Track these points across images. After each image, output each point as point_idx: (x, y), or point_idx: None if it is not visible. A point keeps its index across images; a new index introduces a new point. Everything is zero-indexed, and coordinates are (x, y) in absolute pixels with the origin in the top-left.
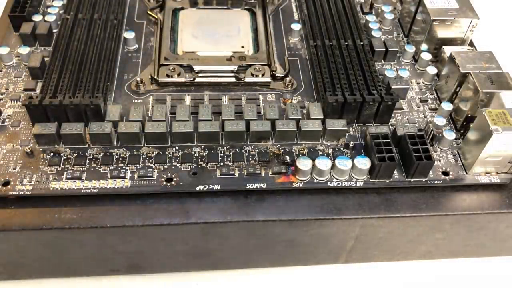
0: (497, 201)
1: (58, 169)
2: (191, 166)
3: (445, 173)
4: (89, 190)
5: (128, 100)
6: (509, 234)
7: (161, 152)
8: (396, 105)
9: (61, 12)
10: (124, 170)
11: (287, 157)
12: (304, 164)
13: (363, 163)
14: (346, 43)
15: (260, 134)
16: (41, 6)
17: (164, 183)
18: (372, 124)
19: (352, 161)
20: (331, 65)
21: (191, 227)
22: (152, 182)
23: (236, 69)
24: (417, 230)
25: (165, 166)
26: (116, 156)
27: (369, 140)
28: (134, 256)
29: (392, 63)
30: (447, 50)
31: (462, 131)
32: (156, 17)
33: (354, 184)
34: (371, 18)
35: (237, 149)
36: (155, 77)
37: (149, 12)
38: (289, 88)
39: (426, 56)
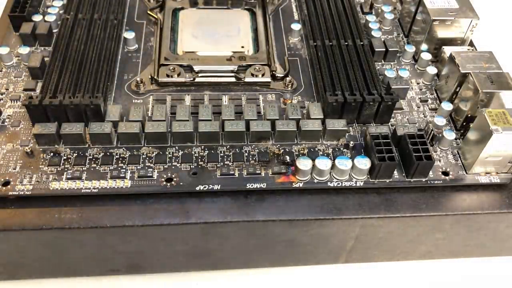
0: (497, 201)
1: (58, 169)
2: (191, 166)
3: (445, 173)
4: (89, 190)
5: (128, 100)
6: (509, 234)
7: (161, 152)
8: (396, 105)
9: (61, 12)
10: (124, 170)
11: (287, 157)
12: (304, 164)
13: (363, 163)
14: (346, 43)
15: (260, 134)
16: (41, 6)
17: (164, 183)
18: (372, 124)
19: (352, 161)
20: (331, 65)
21: (191, 227)
22: (152, 182)
23: (236, 69)
24: (417, 230)
25: (165, 166)
26: (116, 156)
27: (369, 140)
28: (134, 256)
29: (392, 63)
30: (447, 50)
31: (462, 131)
32: (156, 17)
33: (354, 184)
34: (371, 18)
35: (237, 149)
36: (155, 77)
37: (149, 12)
38: (289, 88)
39: (426, 56)
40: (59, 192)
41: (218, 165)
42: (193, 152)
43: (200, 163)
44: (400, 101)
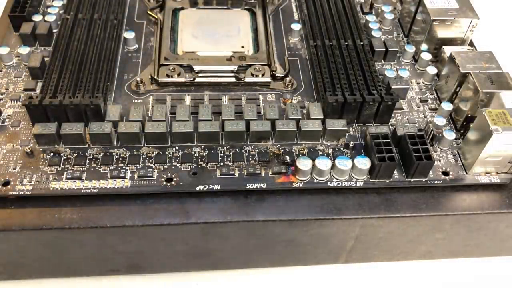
0: (497, 201)
1: (58, 169)
2: (191, 166)
3: (445, 173)
4: (89, 190)
5: (128, 100)
6: (509, 234)
7: (161, 152)
8: (396, 105)
9: (61, 12)
10: (124, 170)
11: (287, 157)
12: (304, 164)
13: (363, 163)
14: (346, 43)
15: (260, 134)
16: (41, 6)
17: (164, 183)
18: (372, 124)
19: (352, 161)
20: (331, 65)
21: (191, 227)
22: (152, 182)
23: (236, 69)
24: (417, 230)
25: (165, 166)
26: (116, 156)
27: (369, 140)
28: (134, 256)
29: (392, 63)
30: (447, 50)
31: (462, 131)
32: (156, 17)
33: (354, 184)
34: (371, 18)
35: (237, 149)
36: (155, 77)
37: (149, 12)
38: (289, 88)
39: (426, 56)
40: (59, 192)
41: (218, 165)
42: (193, 152)
43: (200, 163)
44: (400, 101)
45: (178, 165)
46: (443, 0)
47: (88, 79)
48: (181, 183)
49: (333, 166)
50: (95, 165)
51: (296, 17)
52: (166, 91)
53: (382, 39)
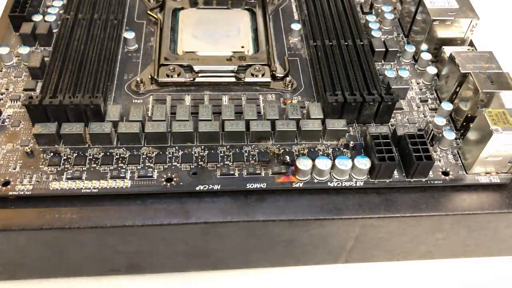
0: (497, 201)
1: (58, 169)
2: (191, 166)
3: (445, 173)
4: (89, 190)
5: (128, 100)
6: (509, 234)
7: (161, 152)
8: (396, 105)
9: (61, 12)
10: (124, 170)
11: (287, 157)
12: (304, 164)
13: (363, 163)
14: (346, 43)
15: (260, 134)
16: (41, 6)
17: (164, 183)
18: (372, 124)
19: (352, 161)
20: (331, 65)
21: (191, 227)
22: (152, 182)
23: (236, 69)
24: (417, 230)
25: (165, 166)
26: (116, 156)
27: (369, 140)
28: (134, 256)
29: (392, 63)
30: (447, 50)
31: (462, 131)
32: (156, 17)
33: (354, 184)
34: (371, 18)
35: (237, 149)
36: (155, 77)
37: (149, 12)
38: (289, 88)
39: (426, 56)
40: (59, 192)
41: (218, 165)
42: (193, 152)
43: (200, 163)
44: (400, 101)
45: (178, 165)
46: (443, 0)
47: (88, 79)
48: (181, 183)
49: (333, 166)
50: (95, 165)
51: (296, 17)
52: (166, 91)
53: (382, 39)
